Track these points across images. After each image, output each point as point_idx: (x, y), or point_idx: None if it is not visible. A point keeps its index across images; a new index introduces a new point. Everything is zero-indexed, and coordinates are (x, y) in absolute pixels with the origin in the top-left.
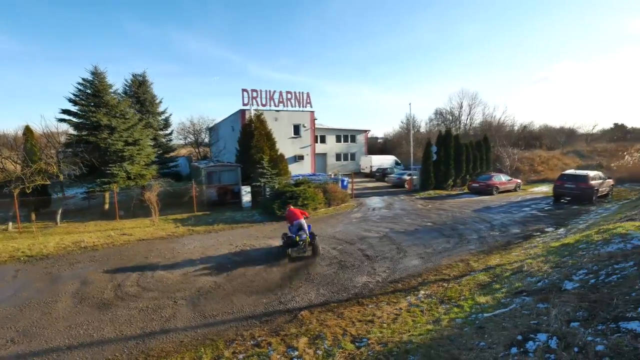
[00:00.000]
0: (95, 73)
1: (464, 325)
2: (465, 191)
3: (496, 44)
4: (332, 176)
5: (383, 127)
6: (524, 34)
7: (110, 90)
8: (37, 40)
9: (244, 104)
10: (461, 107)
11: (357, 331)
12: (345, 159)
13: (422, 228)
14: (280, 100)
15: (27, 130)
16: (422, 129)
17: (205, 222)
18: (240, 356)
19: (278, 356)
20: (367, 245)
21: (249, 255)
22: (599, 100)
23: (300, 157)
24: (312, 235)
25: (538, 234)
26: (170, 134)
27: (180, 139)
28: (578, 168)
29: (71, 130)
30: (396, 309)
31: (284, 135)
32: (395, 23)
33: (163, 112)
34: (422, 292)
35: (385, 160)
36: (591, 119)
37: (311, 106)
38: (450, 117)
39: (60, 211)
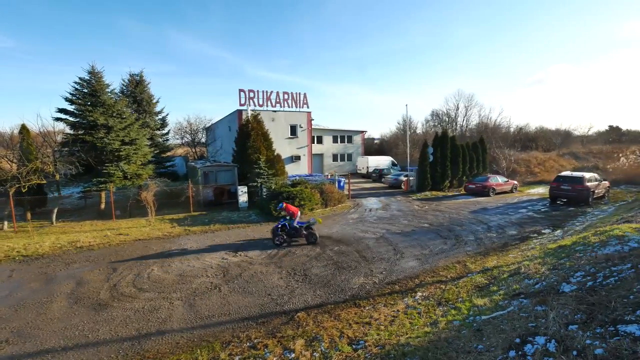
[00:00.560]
0: (92, 72)
1: (461, 328)
2: (461, 192)
3: (491, 46)
4: (329, 177)
5: (380, 128)
6: (518, 37)
7: (107, 89)
8: (34, 38)
9: (240, 104)
10: (457, 108)
11: (354, 333)
12: (342, 159)
13: (418, 229)
14: (277, 100)
15: (23, 129)
16: (419, 130)
17: (202, 222)
18: (237, 358)
19: (275, 358)
20: (364, 247)
21: (246, 256)
22: (593, 103)
23: (297, 158)
24: (308, 225)
25: (535, 235)
26: (167, 133)
27: (177, 139)
28: (574, 170)
29: (67, 130)
30: (393, 310)
31: (281, 136)
32: (390, 24)
33: (160, 112)
34: (420, 293)
35: (381, 161)
36: (586, 120)
37: (308, 107)
38: (447, 119)
39: (56, 210)
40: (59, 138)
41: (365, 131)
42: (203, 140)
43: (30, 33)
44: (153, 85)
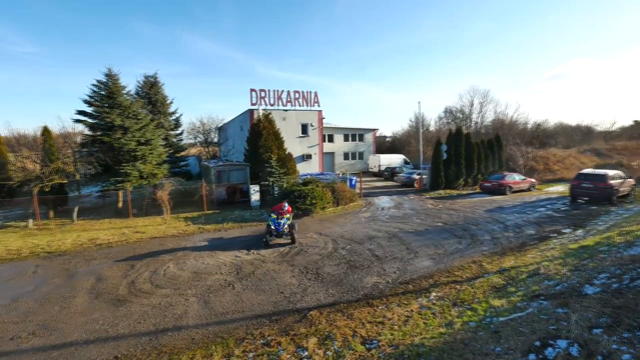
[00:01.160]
0: (109, 75)
1: (478, 329)
2: (476, 191)
3: (506, 41)
4: (340, 175)
5: (391, 126)
6: (534, 32)
7: (123, 91)
8: (52, 42)
9: (252, 104)
10: (472, 105)
11: (367, 333)
12: (353, 158)
13: (432, 228)
14: (288, 99)
15: (46, 131)
16: (432, 128)
17: (215, 220)
18: (250, 355)
19: (288, 356)
20: (376, 245)
21: (258, 254)
22: (617, 97)
23: (308, 156)
24: (291, 225)
25: (554, 235)
26: (181, 133)
27: (190, 139)
28: (596, 167)
29: (86, 131)
30: (407, 310)
31: (292, 135)
32: (401, 21)
33: (174, 113)
34: (434, 294)
35: (394, 159)
36: (610, 116)
37: (319, 105)
38: (461, 115)
39: (76, 209)
40: (78, 139)
41: (377, 129)
42: (215, 139)
43: (46, 37)
44: (167, 86)
